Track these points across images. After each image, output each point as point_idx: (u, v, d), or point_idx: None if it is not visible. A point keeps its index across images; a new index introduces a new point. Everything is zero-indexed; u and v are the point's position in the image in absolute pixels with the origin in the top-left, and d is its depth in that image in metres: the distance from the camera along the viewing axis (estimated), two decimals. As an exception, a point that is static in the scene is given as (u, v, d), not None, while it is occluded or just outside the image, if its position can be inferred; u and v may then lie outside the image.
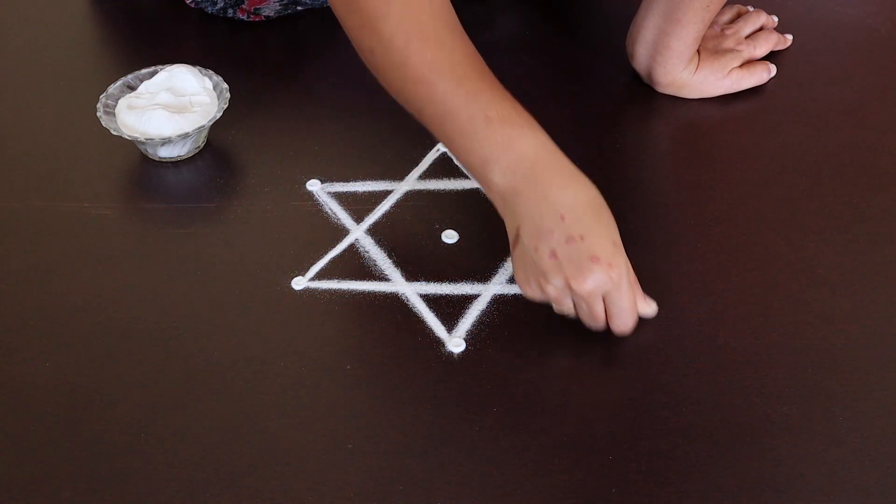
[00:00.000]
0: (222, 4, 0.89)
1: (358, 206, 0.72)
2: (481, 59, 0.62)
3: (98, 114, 0.75)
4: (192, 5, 0.91)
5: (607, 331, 0.62)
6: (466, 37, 0.63)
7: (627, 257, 0.59)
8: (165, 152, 0.75)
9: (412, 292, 0.65)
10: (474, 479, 0.55)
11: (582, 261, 0.57)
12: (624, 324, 0.60)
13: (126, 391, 0.60)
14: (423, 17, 0.61)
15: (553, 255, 0.57)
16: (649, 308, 0.62)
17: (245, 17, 0.89)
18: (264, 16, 0.89)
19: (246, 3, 0.88)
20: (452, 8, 0.64)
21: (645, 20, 0.78)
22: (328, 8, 0.90)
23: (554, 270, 0.58)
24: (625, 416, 0.58)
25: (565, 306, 0.60)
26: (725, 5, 0.88)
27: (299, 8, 0.90)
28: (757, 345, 0.62)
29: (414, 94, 0.61)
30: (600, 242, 0.57)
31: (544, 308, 0.64)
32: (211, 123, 0.75)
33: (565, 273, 0.57)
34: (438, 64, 0.60)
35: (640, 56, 0.80)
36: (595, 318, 0.60)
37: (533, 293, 0.60)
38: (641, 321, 0.62)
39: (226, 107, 0.75)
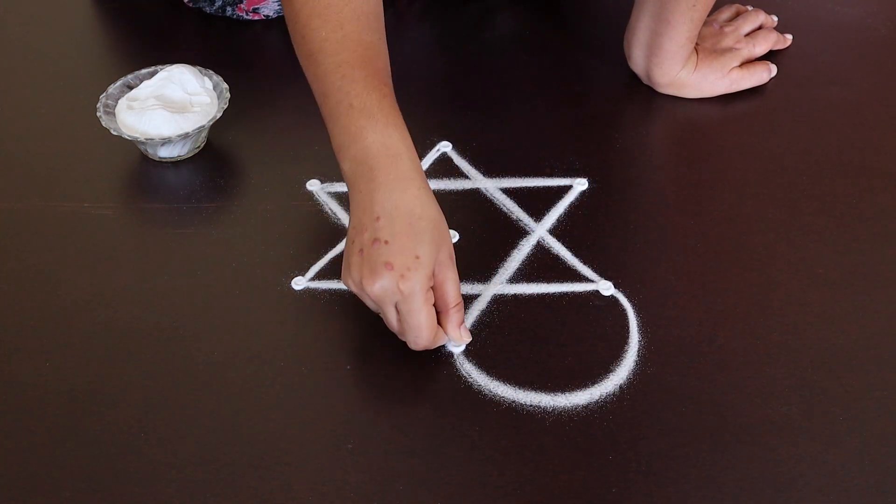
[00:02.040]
0: (220, 3, 0.89)
1: (358, 206, 0.72)
2: (381, 54, 0.63)
3: (98, 114, 0.75)
4: (191, 5, 0.91)
5: (604, 331, 0.62)
6: (376, 31, 0.63)
7: (456, 275, 0.59)
8: (165, 152, 0.75)
9: (412, 292, 0.65)
10: (474, 479, 0.55)
11: (377, 264, 0.57)
12: (413, 340, 0.59)
13: (126, 391, 0.60)
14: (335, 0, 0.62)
15: (360, 252, 0.58)
16: (459, 341, 0.60)
17: (244, 15, 0.89)
18: (263, 15, 0.89)
19: (245, 2, 0.88)
20: (379, 3, 0.65)
21: (638, 22, 0.78)
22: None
23: (355, 267, 0.58)
24: (625, 416, 0.58)
25: (368, 304, 0.60)
26: (724, 4, 0.88)
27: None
28: (757, 345, 0.62)
29: (306, 69, 0.63)
30: (401, 252, 0.57)
31: (544, 308, 0.64)
32: (211, 123, 0.75)
33: (361, 272, 0.57)
34: (328, 45, 0.61)
35: (637, 58, 0.80)
36: (389, 325, 0.59)
37: (345, 283, 0.60)
38: (643, 322, 0.62)
39: (226, 107, 0.75)
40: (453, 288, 0.59)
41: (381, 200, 0.58)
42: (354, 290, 0.59)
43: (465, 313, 0.64)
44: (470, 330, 0.62)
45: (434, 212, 0.59)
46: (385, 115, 0.59)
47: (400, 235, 0.57)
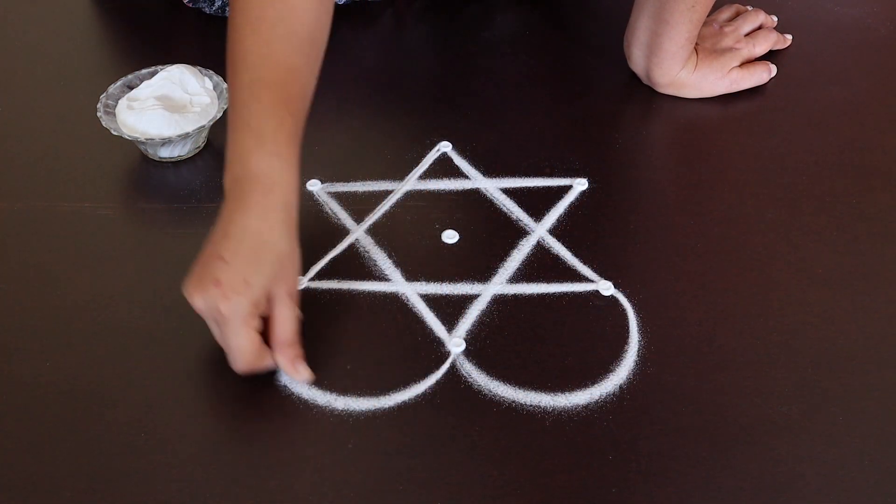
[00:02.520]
0: (220, 3, 0.89)
1: (358, 206, 0.72)
2: (300, 79, 0.62)
3: (98, 114, 0.75)
4: (190, 5, 0.91)
5: (604, 331, 0.62)
6: (305, 55, 0.63)
7: (293, 315, 0.59)
8: (165, 152, 0.75)
9: (412, 292, 0.65)
10: (474, 479, 0.55)
11: (207, 279, 0.56)
12: (232, 362, 0.58)
13: (126, 391, 0.60)
14: (269, 12, 0.61)
15: (203, 263, 0.58)
16: (293, 376, 0.59)
17: None
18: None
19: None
20: (321, 28, 0.64)
21: (637, 22, 0.78)
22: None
23: (192, 275, 0.58)
24: (625, 416, 0.58)
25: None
26: (724, 4, 0.88)
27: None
28: (757, 345, 0.62)
29: (227, 73, 0.63)
30: (234, 273, 0.56)
31: (544, 308, 0.64)
32: (211, 123, 0.75)
33: (192, 281, 0.57)
34: (249, 58, 0.61)
35: (637, 58, 0.80)
36: (217, 339, 0.59)
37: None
38: (643, 322, 0.62)
39: (226, 107, 0.75)
40: (286, 325, 0.59)
41: (238, 221, 0.58)
42: (186, 296, 0.58)
43: (465, 313, 0.64)
44: (470, 330, 0.62)
45: (285, 247, 0.59)
46: (275, 143, 0.59)
47: (239, 258, 0.57)
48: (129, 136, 0.73)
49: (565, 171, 0.75)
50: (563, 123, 0.79)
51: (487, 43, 0.89)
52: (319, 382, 0.60)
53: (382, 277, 0.67)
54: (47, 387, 0.60)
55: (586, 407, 0.58)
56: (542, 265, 0.67)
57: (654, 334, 0.62)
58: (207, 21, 0.90)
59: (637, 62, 0.81)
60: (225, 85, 0.77)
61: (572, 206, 0.72)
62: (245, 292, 0.56)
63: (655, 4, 0.75)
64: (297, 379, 0.59)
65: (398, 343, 0.62)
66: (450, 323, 0.63)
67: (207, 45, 0.88)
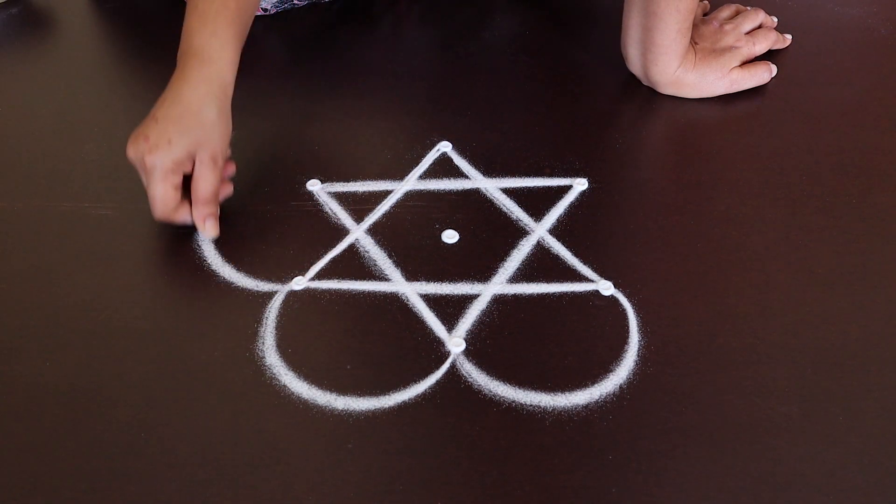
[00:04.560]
0: None
1: (358, 206, 0.72)
2: None
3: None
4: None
5: (604, 331, 0.62)
6: None
7: (212, 178, 0.66)
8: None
9: (412, 292, 0.65)
10: (474, 479, 0.55)
11: (139, 135, 0.65)
12: (152, 210, 0.67)
13: (126, 391, 0.60)
14: None
15: (142, 122, 0.66)
16: (202, 232, 0.68)
17: None
18: (262, 8, 0.89)
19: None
20: None
21: (629, 20, 0.79)
22: (326, 5, 0.91)
23: (135, 131, 0.66)
24: (625, 416, 0.58)
25: None
26: (724, 3, 0.88)
27: (296, 3, 0.90)
28: (757, 345, 0.62)
29: None
30: (160, 132, 0.64)
31: (544, 308, 0.64)
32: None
33: (131, 135, 0.66)
34: None
35: (633, 57, 0.81)
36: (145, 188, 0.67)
37: None
38: (643, 322, 0.62)
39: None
40: (204, 186, 0.67)
41: (174, 88, 0.66)
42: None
43: (465, 313, 0.64)
44: (470, 330, 0.62)
45: (211, 115, 0.66)
46: (215, 23, 0.67)
47: (168, 119, 0.65)
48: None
49: (565, 171, 0.75)
50: (563, 123, 0.80)
51: (487, 43, 0.89)
52: (319, 382, 0.60)
53: (382, 277, 0.67)
54: (47, 387, 0.60)
55: (586, 407, 0.58)
56: (542, 265, 0.67)
57: (654, 334, 0.62)
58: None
59: (634, 62, 0.81)
60: None
61: (572, 206, 0.72)
62: (166, 150, 0.64)
63: (643, 0, 0.75)
64: (205, 235, 0.68)
65: (398, 343, 0.62)
66: (450, 323, 0.63)
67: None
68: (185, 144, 0.65)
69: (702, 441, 0.56)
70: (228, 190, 0.70)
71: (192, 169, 0.66)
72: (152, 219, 0.70)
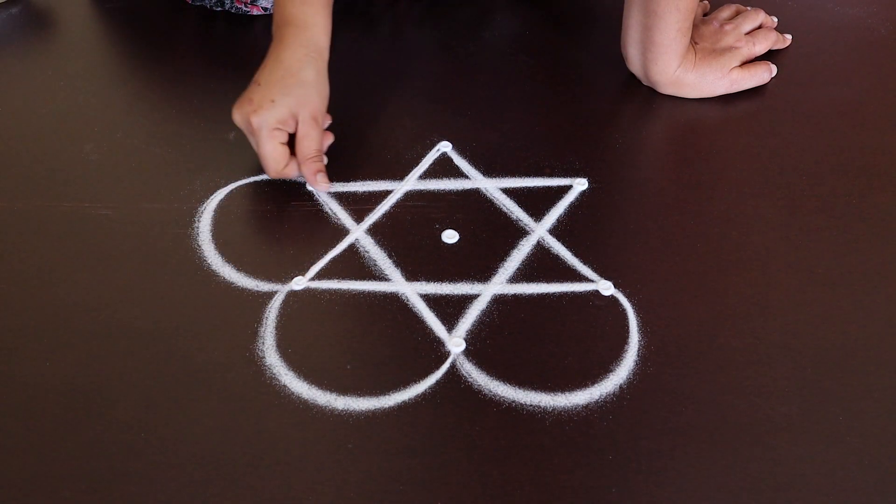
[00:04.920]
0: None
1: (358, 206, 0.72)
2: None
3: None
4: (191, 2, 0.91)
5: (604, 331, 0.62)
6: None
7: (316, 135, 0.70)
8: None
9: (412, 292, 0.65)
10: (474, 479, 0.55)
11: (245, 98, 0.70)
12: (264, 168, 0.71)
13: (126, 391, 0.60)
14: None
15: (246, 89, 0.70)
16: (315, 186, 0.72)
17: (243, 7, 0.89)
18: (262, 6, 0.89)
19: (244, -6, 0.90)
20: None
21: (629, 19, 0.79)
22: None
23: (241, 96, 0.71)
24: (625, 416, 0.58)
25: None
26: (724, 4, 0.88)
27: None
28: (757, 345, 0.62)
29: None
30: (263, 94, 0.69)
31: (544, 308, 0.64)
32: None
33: (236, 101, 0.70)
34: None
35: (633, 57, 0.81)
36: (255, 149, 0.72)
37: None
38: (643, 322, 0.62)
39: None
40: (308, 143, 0.71)
41: (273, 54, 0.71)
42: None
43: (465, 313, 0.64)
44: (470, 330, 0.62)
45: (311, 76, 0.70)
46: None
47: (270, 83, 0.69)
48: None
49: (565, 171, 0.75)
50: (563, 123, 0.79)
51: (487, 43, 0.89)
52: (319, 382, 0.60)
53: (382, 277, 0.67)
54: (47, 387, 0.60)
55: (586, 407, 0.58)
56: (542, 265, 0.67)
57: (654, 334, 0.62)
58: (208, 21, 0.90)
59: (634, 61, 0.81)
60: None
61: (572, 206, 0.72)
62: (270, 109, 0.69)
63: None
64: (318, 188, 0.72)
65: (398, 343, 0.62)
66: (450, 323, 0.63)
67: (208, 45, 0.88)
68: (287, 104, 0.69)
69: (702, 441, 0.56)
70: (330, 139, 0.74)
71: (297, 129, 0.70)
72: (152, 219, 0.70)
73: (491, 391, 0.59)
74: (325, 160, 0.73)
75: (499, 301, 0.65)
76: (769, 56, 0.85)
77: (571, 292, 0.65)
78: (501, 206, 0.72)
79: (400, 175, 0.74)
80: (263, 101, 0.69)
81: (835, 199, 0.72)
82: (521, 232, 0.70)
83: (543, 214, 0.71)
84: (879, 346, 0.61)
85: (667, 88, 0.81)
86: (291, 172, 0.72)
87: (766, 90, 0.82)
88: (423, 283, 0.66)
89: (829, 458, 0.55)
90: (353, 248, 0.69)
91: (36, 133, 0.80)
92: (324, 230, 0.70)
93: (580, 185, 0.73)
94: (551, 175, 0.74)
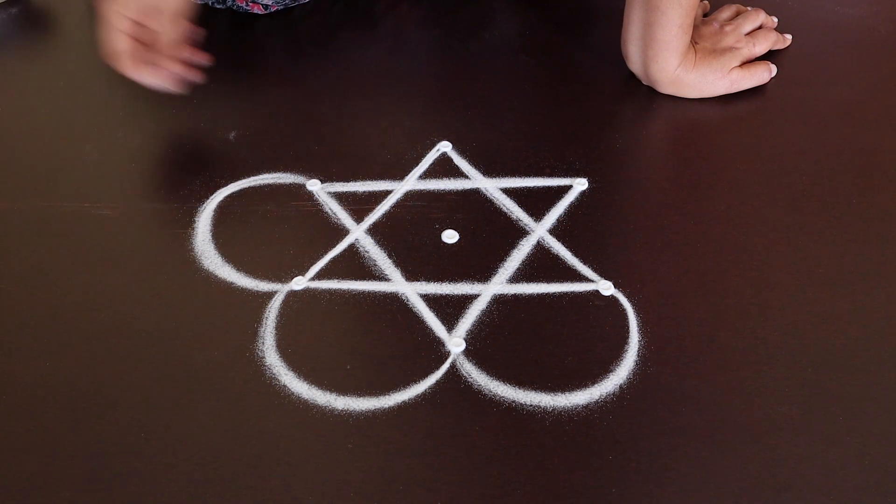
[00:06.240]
0: None
1: (358, 206, 0.72)
2: None
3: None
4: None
5: (604, 331, 0.62)
6: None
7: (172, 36, 0.73)
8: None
9: (412, 292, 0.65)
10: (474, 479, 0.55)
11: None
12: (107, 55, 0.73)
13: (126, 391, 0.60)
14: None
15: None
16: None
17: (244, 6, 0.89)
18: (262, 5, 0.89)
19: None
20: None
21: (630, 16, 0.79)
22: (327, 5, 0.90)
23: None
24: (625, 416, 0.58)
25: None
26: (724, 4, 0.88)
27: None
28: (757, 345, 0.62)
29: None
30: None
31: (544, 308, 0.64)
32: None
33: None
34: None
35: (633, 55, 0.81)
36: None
37: None
38: (643, 322, 0.62)
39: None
40: (163, 41, 0.74)
41: None
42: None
43: (465, 313, 0.64)
44: (470, 330, 0.62)
45: None
46: None
47: None
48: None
49: (565, 171, 0.75)
50: (563, 123, 0.79)
51: (487, 43, 0.89)
52: (319, 382, 0.60)
53: (382, 277, 0.67)
54: (47, 387, 0.60)
55: (586, 407, 0.58)
56: (542, 265, 0.67)
57: (654, 334, 0.62)
58: (208, 21, 0.90)
59: (634, 59, 0.81)
60: None
61: (572, 206, 0.72)
62: (121, 5, 0.72)
63: None
64: (169, 86, 0.75)
65: (398, 343, 0.62)
66: (450, 323, 0.63)
67: (208, 46, 0.88)
68: (138, 2, 0.72)
69: (702, 441, 0.56)
70: (198, 58, 0.77)
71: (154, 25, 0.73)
72: (152, 219, 0.70)
73: (491, 391, 0.59)
74: (174, 68, 0.75)
75: (499, 301, 0.65)
76: (769, 56, 0.85)
77: (571, 292, 0.65)
78: (501, 206, 0.72)
79: (400, 175, 0.74)
80: None
81: (835, 199, 0.72)
82: (521, 232, 0.70)
83: (543, 214, 0.71)
84: (879, 346, 0.61)
85: (667, 87, 0.81)
86: (137, 70, 0.74)
87: (766, 90, 0.82)
88: (423, 283, 0.66)
89: (829, 458, 0.55)
90: (353, 248, 0.69)
91: (36, 133, 0.80)
92: (324, 230, 0.70)
93: (580, 185, 0.73)
94: (551, 175, 0.74)
